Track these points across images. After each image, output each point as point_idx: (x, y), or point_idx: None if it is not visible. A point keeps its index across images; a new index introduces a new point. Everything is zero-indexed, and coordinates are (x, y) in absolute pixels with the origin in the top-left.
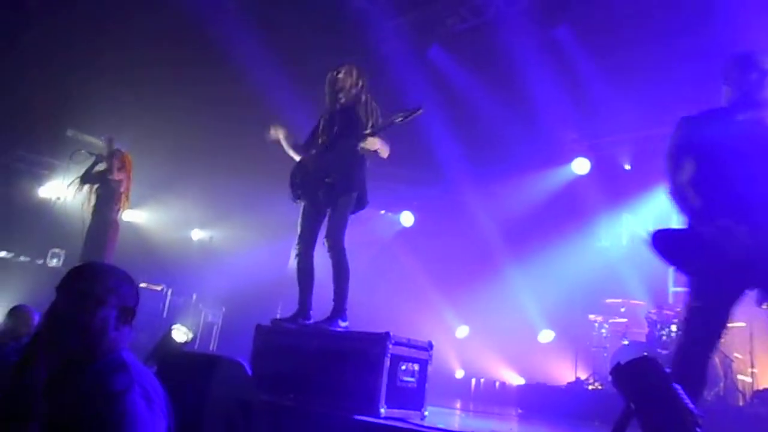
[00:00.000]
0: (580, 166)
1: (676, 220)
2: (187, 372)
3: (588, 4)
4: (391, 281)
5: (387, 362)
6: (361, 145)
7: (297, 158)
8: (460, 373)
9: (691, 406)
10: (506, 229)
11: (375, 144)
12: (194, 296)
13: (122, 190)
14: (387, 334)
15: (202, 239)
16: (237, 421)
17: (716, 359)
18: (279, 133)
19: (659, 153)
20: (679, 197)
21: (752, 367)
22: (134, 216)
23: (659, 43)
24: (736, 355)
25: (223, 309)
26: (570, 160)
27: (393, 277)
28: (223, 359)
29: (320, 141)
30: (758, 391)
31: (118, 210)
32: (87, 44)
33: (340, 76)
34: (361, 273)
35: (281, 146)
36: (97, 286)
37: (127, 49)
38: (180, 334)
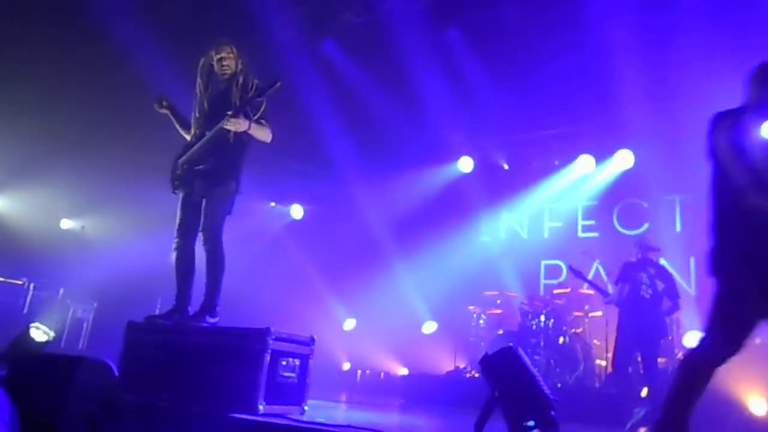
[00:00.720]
0: (465, 164)
1: (546, 220)
2: (44, 375)
3: (478, 9)
4: (278, 275)
5: (267, 358)
6: (226, 126)
7: (185, 135)
8: (346, 366)
9: (547, 391)
10: (394, 223)
11: (239, 124)
12: (61, 291)
13: None
14: (267, 329)
15: (73, 229)
16: (100, 424)
17: (577, 345)
18: (164, 108)
19: (534, 155)
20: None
21: (607, 352)
22: None
23: (540, 53)
24: (594, 341)
25: (95, 304)
26: (456, 158)
27: (281, 270)
28: (86, 360)
29: (194, 128)
30: (610, 374)
31: None
32: None
33: (218, 56)
34: (248, 266)
35: (171, 119)
36: None
37: None
38: (39, 333)
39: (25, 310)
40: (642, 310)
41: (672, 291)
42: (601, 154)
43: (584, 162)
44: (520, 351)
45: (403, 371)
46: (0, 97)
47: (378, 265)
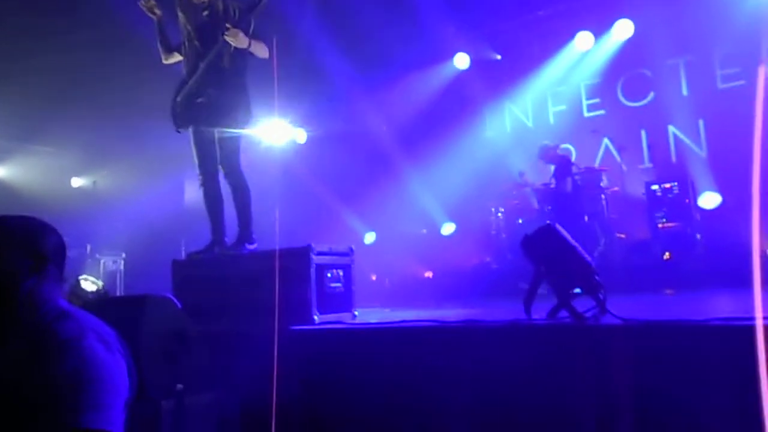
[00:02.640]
0: (461, 61)
1: (550, 106)
2: (115, 316)
3: None
4: (292, 197)
5: (313, 272)
6: (227, 38)
7: (163, 56)
8: (373, 276)
9: (588, 259)
10: (399, 132)
11: (239, 38)
12: (88, 247)
13: None
14: (309, 246)
15: (84, 186)
16: (176, 352)
17: (595, 222)
18: (152, 9)
19: (530, 40)
20: None
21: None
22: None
23: None
24: (613, 215)
25: (124, 255)
26: (451, 56)
27: (294, 192)
28: (151, 297)
29: (187, 60)
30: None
31: None
32: None
33: None
34: (264, 191)
35: (155, 26)
36: None
37: None
38: (89, 283)
39: None
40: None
41: None
42: (600, 29)
43: (582, 39)
44: (558, 226)
45: (428, 274)
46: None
47: (389, 176)
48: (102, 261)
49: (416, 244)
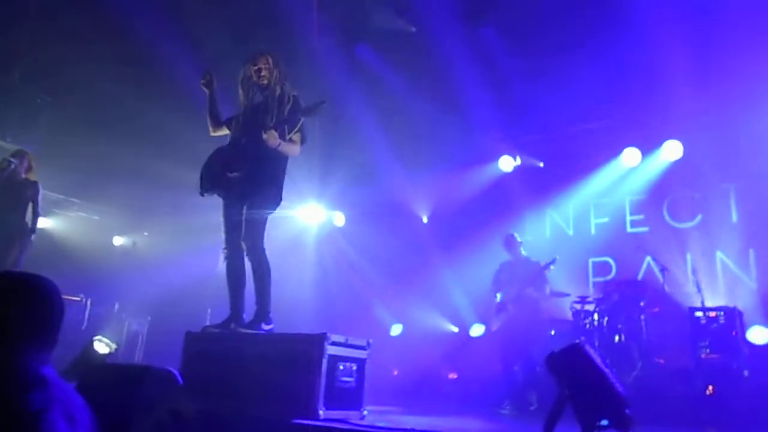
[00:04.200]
0: (506, 163)
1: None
2: (112, 385)
3: (512, 6)
4: (321, 280)
5: (325, 363)
6: (264, 137)
7: (211, 128)
8: (395, 372)
9: (619, 388)
10: (437, 227)
11: (273, 140)
12: (116, 305)
13: (31, 192)
14: (324, 334)
15: (125, 245)
16: (168, 430)
17: (633, 344)
18: (207, 85)
19: (577, 151)
20: None
21: (664, 349)
22: (48, 223)
23: (578, 46)
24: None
25: (149, 317)
26: (497, 158)
27: (323, 276)
28: (152, 369)
29: (232, 135)
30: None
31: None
32: None
33: (254, 67)
34: (292, 274)
35: (207, 99)
36: None
37: (39, 47)
38: (102, 345)
39: (84, 326)
40: None
41: None
42: (648, 146)
43: (630, 155)
44: (588, 347)
45: (453, 375)
46: (57, 119)
47: (423, 270)
48: (126, 321)
49: (443, 342)
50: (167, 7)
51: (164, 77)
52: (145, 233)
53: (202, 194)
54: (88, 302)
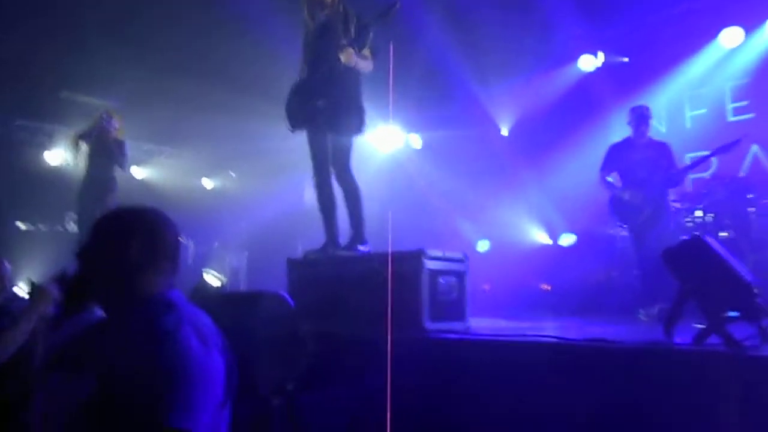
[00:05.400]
0: (586, 63)
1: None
2: (229, 311)
3: None
4: (405, 201)
5: (425, 278)
6: (340, 54)
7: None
8: (486, 286)
9: (748, 276)
10: (519, 137)
11: (349, 58)
12: (216, 244)
13: (119, 150)
14: (422, 250)
15: (215, 186)
16: (287, 350)
17: (743, 239)
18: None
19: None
20: None
21: None
22: (143, 173)
23: None
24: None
25: (246, 253)
26: (575, 58)
27: (407, 197)
28: (266, 294)
29: (305, 63)
30: None
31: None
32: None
33: None
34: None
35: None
36: (117, 224)
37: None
38: (213, 278)
39: (190, 263)
40: None
41: None
42: (752, 23)
43: (730, 35)
44: (708, 238)
45: (546, 287)
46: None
47: (507, 182)
48: (227, 258)
49: (533, 254)
50: None
51: (242, 14)
52: (232, 173)
53: (292, 131)
54: (191, 243)
